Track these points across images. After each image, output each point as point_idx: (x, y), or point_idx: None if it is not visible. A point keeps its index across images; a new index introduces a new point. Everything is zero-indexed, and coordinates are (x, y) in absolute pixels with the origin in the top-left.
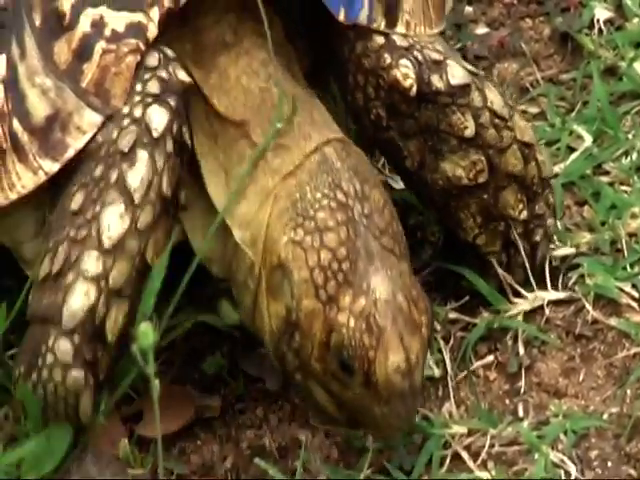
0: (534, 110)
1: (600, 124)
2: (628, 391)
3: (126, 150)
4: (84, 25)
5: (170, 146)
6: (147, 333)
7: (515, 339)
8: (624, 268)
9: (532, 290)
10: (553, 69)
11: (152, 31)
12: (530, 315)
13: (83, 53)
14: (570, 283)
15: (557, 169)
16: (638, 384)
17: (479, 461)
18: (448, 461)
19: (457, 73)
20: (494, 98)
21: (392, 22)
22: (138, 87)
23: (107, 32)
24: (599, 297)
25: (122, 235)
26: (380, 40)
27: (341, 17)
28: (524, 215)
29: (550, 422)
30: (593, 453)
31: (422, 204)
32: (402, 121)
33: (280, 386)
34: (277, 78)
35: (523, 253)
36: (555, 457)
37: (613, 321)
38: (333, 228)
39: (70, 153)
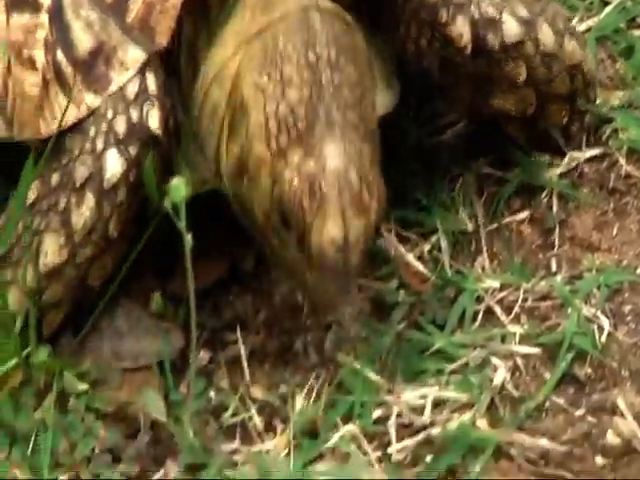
0: None
1: None
2: None
3: (77, 184)
4: None
5: (122, 195)
6: (179, 187)
7: (549, 195)
8: None
9: (565, 153)
10: None
11: None
12: (564, 171)
13: None
14: (604, 138)
15: (591, 23)
16: None
17: (512, 315)
18: (481, 315)
19: (511, 31)
20: (546, 39)
21: None
22: (109, 113)
23: None
24: (632, 151)
25: (59, 265)
26: None
27: None
28: (564, 120)
29: (583, 276)
30: (626, 307)
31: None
32: (455, 72)
33: None
34: None
35: (560, 142)
36: (588, 311)
37: None
38: (297, 84)
39: (113, 88)
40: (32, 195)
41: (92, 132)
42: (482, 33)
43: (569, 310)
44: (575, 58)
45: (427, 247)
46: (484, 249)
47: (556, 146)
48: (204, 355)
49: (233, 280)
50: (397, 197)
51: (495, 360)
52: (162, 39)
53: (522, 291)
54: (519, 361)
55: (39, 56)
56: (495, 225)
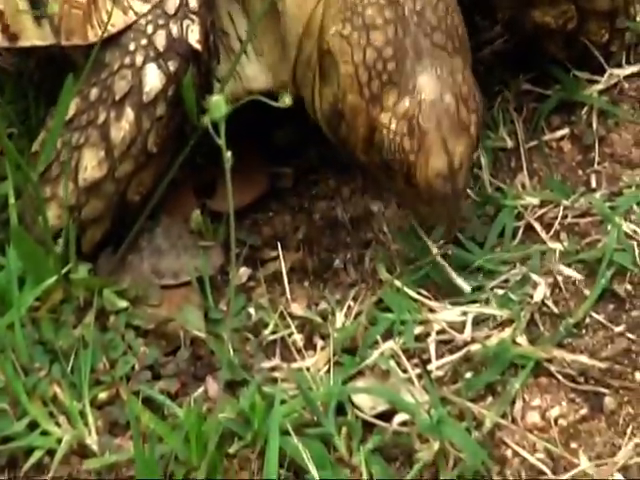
0: None
1: None
2: None
3: (117, 98)
4: None
5: (162, 109)
6: (219, 104)
7: (589, 112)
8: None
9: (605, 71)
10: None
11: None
12: (603, 88)
13: None
14: None
15: None
16: None
17: (552, 232)
18: (521, 232)
19: None
20: None
21: None
22: (149, 28)
23: None
24: None
25: (98, 179)
26: None
27: None
28: (605, 38)
29: (623, 193)
30: None
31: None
32: None
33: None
34: None
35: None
36: (628, 228)
37: None
38: (380, 26)
39: None
40: (71, 111)
41: (132, 47)
42: None
43: (609, 227)
44: None
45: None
46: (524, 166)
47: (596, 63)
48: (244, 272)
49: (272, 198)
50: None
51: (535, 277)
52: None
53: (562, 208)
54: (559, 278)
55: None
56: (535, 142)
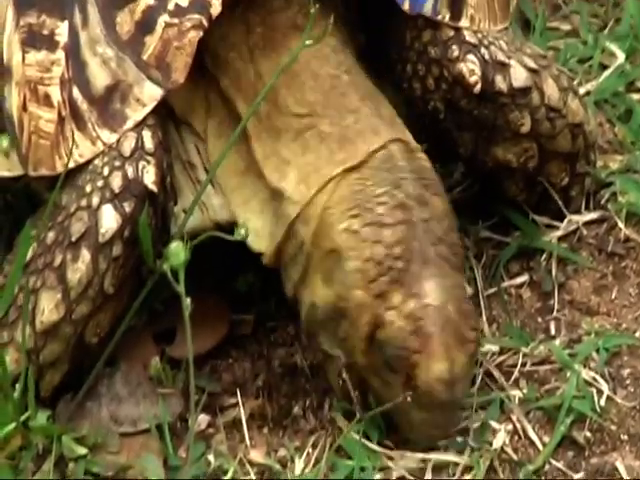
0: (567, 27)
1: (633, 41)
2: None
3: (73, 239)
4: None
5: (118, 250)
6: (178, 252)
7: (548, 258)
8: None
9: (564, 217)
10: None
11: (216, 7)
12: (563, 234)
13: (146, 25)
14: (603, 202)
15: (589, 87)
16: None
17: (511, 380)
18: (480, 379)
19: (520, 76)
20: (552, 92)
21: (457, 15)
22: (105, 170)
23: (171, 6)
24: (631, 215)
25: (56, 322)
26: (450, 32)
27: (406, 7)
28: (565, 182)
29: (582, 340)
30: (625, 371)
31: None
32: (459, 115)
33: None
34: (348, 65)
35: (560, 204)
36: (587, 375)
37: None
38: (391, 225)
39: (129, 124)
40: (28, 255)
41: (88, 188)
42: (491, 74)
43: (568, 374)
44: (578, 117)
45: None
46: (483, 313)
47: (555, 209)
48: (203, 419)
49: (232, 344)
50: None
51: (494, 424)
52: (179, 76)
53: (521, 355)
54: (518, 425)
55: (55, 93)
56: (494, 289)
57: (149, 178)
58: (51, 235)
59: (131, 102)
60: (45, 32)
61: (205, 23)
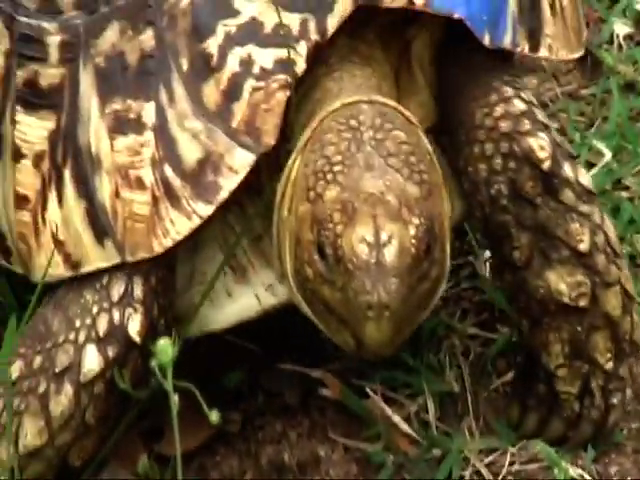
0: (553, 125)
1: (620, 139)
2: None
3: (57, 370)
4: (232, 64)
5: (100, 389)
6: (166, 349)
7: None
8: None
9: None
10: (573, 84)
11: (300, 66)
12: None
13: (233, 93)
14: None
15: None
16: None
17: (499, 478)
18: (468, 477)
19: (586, 176)
20: (609, 227)
21: (535, 46)
22: (95, 308)
23: (255, 69)
24: None
25: (38, 447)
26: (522, 106)
27: (486, 41)
28: (609, 366)
29: None
30: (613, 469)
31: (512, 310)
32: (521, 206)
33: (299, 401)
34: None
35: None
36: (575, 473)
37: None
38: (335, 143)
39: (224, 194)
40: (14, 374)
41: (77, 323)
42: (560, 160)
43: (556, 472)
44: (629, 285)
45: (414, 408)
46: (471, 410)
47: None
48: None
49: (220, 441)
50: (384, 359)
51: None
52: (269, 139)
53: (509, 454)
54: None
55: (147, 174)
56: (481, 386)
57: (133, 328)
58: (38, 360)
59: (223, 171)
60: (132, 116)
61: (291, 81)
